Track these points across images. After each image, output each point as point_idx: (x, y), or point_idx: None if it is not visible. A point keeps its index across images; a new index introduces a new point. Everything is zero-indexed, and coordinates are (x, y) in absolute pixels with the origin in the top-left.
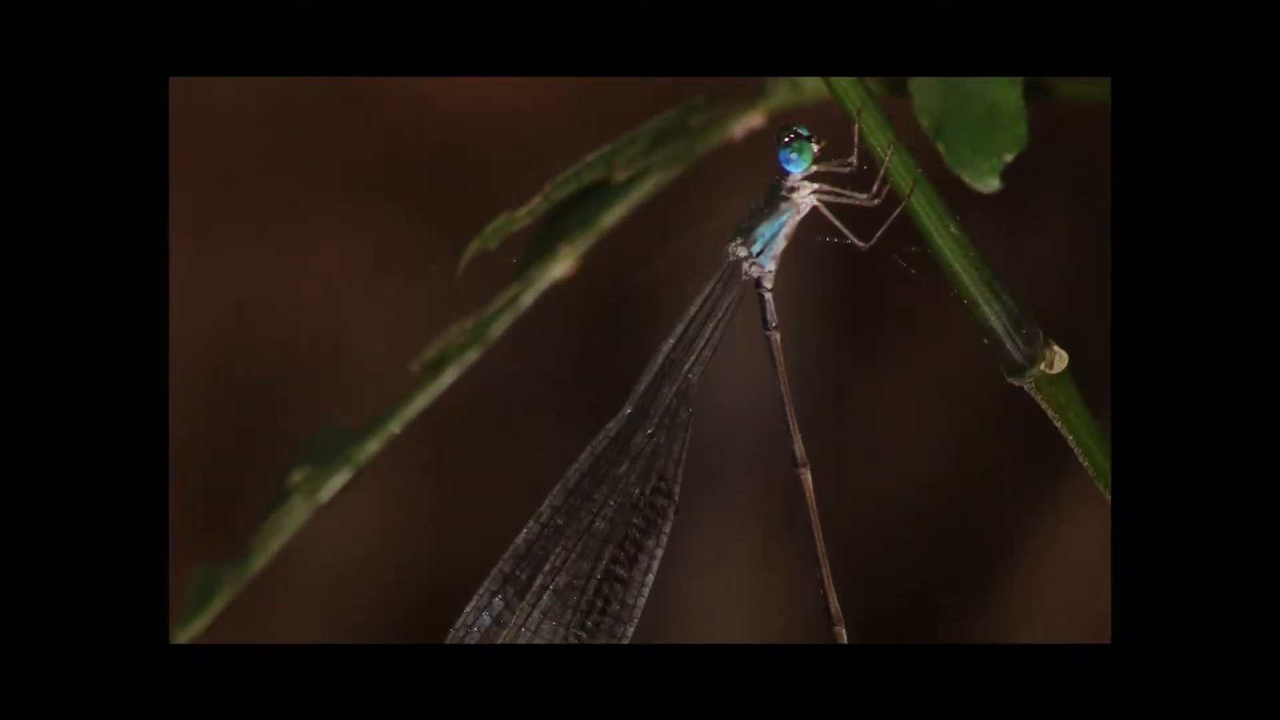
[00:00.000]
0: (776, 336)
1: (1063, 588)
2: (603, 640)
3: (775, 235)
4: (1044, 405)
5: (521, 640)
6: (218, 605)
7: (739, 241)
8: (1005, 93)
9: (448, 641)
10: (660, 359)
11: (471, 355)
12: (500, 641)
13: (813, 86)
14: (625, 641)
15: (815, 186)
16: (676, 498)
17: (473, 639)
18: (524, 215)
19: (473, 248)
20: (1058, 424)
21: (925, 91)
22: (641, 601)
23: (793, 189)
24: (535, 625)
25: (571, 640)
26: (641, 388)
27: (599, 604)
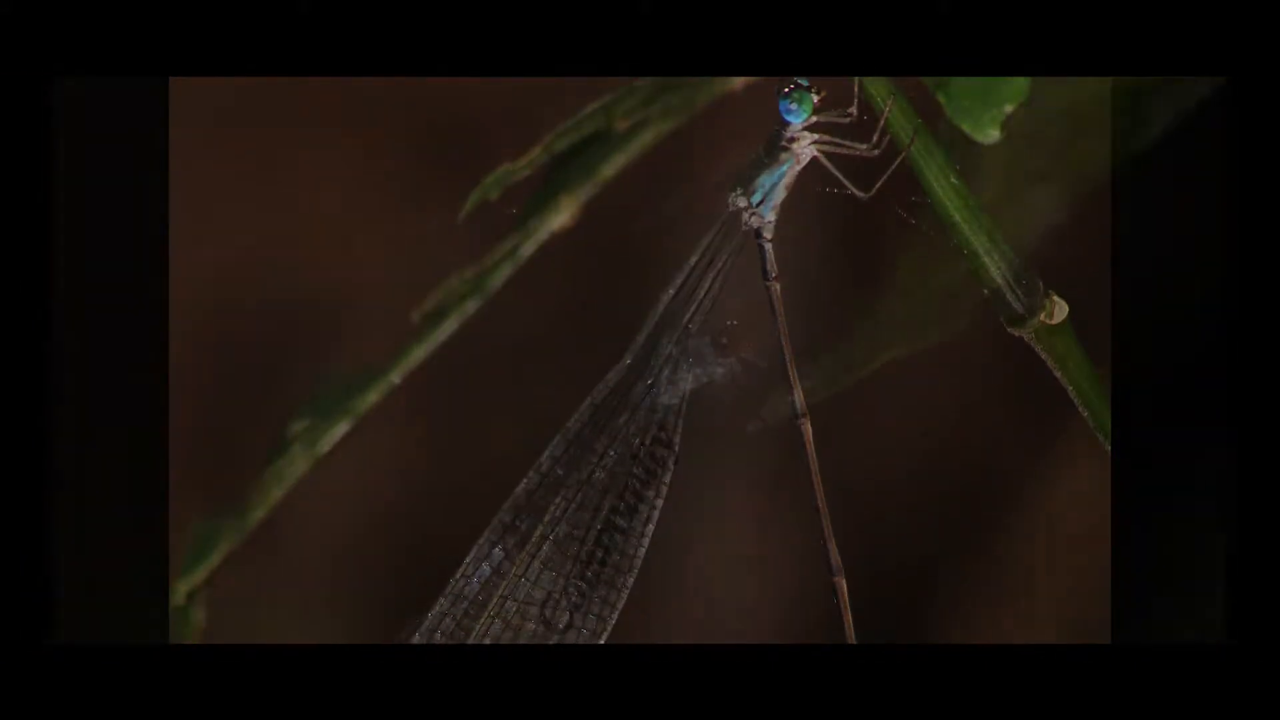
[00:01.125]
0: (776, 287)
1: (1063, 534)
2: (603, 590)
3: (775, 185)
4: (1044, 355)
5: (521, 591)
6: (217, 556)
7: (739, 192)
8: None
9: (446, 593)
10: (660, 309)
11: (471, 306)
12: (500, 592)
13: None
14: (625, 591)
15: (815, 137)
16: (677, 448)
17: (472, 589)
18: (524, 166)
19: (473, 198)
20: (1057, 374)
21: None
22: (642, 552)
23: (793, 139)
24: (535, 575)
25: (572, 591)
26: (641, 338)
27: (599, 554)
